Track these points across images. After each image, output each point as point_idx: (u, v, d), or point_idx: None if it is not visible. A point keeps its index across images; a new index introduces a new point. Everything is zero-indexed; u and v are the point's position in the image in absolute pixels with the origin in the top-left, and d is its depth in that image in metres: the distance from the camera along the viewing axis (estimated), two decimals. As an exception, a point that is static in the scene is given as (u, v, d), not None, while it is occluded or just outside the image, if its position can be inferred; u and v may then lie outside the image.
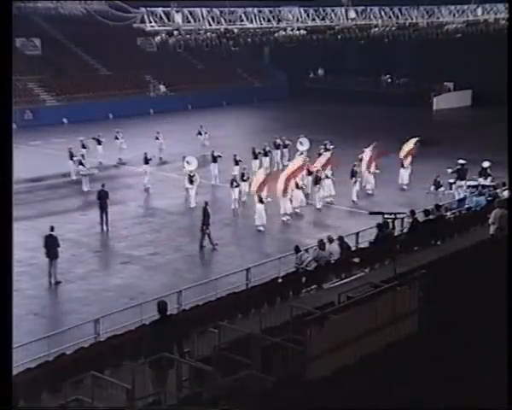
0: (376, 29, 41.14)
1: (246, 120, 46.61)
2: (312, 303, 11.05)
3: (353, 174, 24.85)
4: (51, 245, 17.51)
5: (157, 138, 32.89)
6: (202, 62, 55.73)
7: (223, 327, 9.99)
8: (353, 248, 16.53)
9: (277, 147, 30.60)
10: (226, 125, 42.75)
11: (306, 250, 15.62)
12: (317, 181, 24.17)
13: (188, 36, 35.40)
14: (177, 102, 49.11)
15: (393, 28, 41.64)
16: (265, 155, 29.22)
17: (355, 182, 24.76)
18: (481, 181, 23.41)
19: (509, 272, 8.10)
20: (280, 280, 14.10)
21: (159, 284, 17.18)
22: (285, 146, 30.83)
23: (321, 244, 15.29)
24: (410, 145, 27.19)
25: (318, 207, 23.89)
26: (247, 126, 42.51)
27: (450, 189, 24.04)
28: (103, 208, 22.26)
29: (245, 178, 24.72)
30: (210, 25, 34.82)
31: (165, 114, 46.00)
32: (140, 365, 9.13)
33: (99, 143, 31.53)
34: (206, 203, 20.70)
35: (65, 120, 44.30)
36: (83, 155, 27.92)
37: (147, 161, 27.86)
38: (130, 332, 11.55)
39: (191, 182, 24.77)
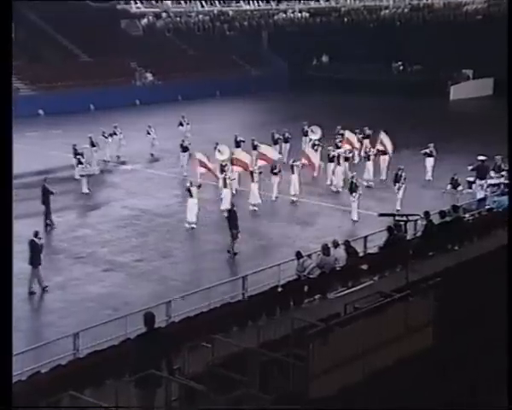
0: (387, 11, 41.29)
1: (242, 112, 46.63)
2: (316, 314, 11.07)
3: (397, 179, 23.80)
4: (34, 251, 17.74)
5: (148, 133, 33.02)
6: (193, 48, 55.78)
7: (216, 341, 10.01)
8: (361, 254, 16.56)
9: (306, 134, 31.51)
10: (220, 117, 42.78)
11: (309, 256, 15.65)
12: (352, 189, 23.04)
13: (177, 18, 35.50)
14: (165, 92, 49.11)
15: (406, 10, 41.80)
16: (286, 141, 30.58)
17: (399, 188, 23.64)
18: (500, 179, 23.50)
19: (510, 272, 8.17)
20: (280, 289, 14.11)
21: (145, 293, 17.21)
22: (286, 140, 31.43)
23: (325, 249, 15.31)
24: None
25: (355, 218, 22.82)
26: (244, 119, 42.57)
27: (469, 188, 24.09)
28: (45, 205, 22.55)
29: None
30: (202, 6, 34.90)
31: (152, 105, 45.97)
32: (124, 383, 9.14)
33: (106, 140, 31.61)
34: (233, 205, 20.97)
35: (41, 112, 44.31)
36: (82, 154, 27.89)
37: (184, 149, 29.02)
38: (114, 347, 11.55)
39: (222, 172, 25.28)
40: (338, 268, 15.03)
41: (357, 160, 29.26)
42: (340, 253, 15.69)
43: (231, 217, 20.43)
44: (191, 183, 23.19)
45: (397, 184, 23.76)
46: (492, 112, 45.35)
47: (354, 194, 22.94)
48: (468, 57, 49.59)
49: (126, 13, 36.86)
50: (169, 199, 26.01)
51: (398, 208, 22.84)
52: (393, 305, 9.48)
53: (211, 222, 23.29)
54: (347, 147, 28.37)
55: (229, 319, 12.54)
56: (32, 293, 17.53)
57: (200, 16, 36.48)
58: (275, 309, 13.17)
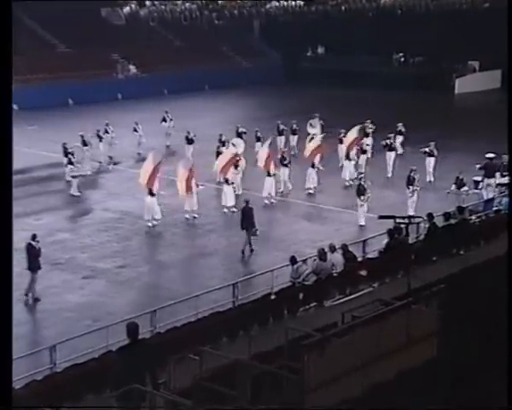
0: (387, -2, 41.40)
1: (232, 106, 46.67)
2: (311, 324, 11.10)
3: (410, 182, 23.21)
4: (32, 255, 17.83)
5: (135, 130, 33.08)
6: (180, 38, 55.80)
7: (205, 353, 10.00)
8: (360, 259, 16.59)
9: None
10: (208, 112, 42.81)
11: (304, 261, 15.67)
12: (360, 191, 22.68)
13: (163, 7, 35.51)
14: (150, 86, 49.15)
15: (407, -3, 41.92)
16: (293, 133, 32.14)
17: (413, 192, 23.13)
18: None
19: (510, 276, 8.25)
20: (273, 297, 14.13)
21: (128, 302, 17.22)
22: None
23: (321, 254, 15.32)
24: (353, 133, 28.23)
25: (362, 223, 22.44)
26: (235, 114, 42.61)
27: (476, 188, 24.17)
28: None
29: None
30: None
31: (135, 99, 45.98)
32: (106, 399, 9.13)
33: (100, 139, 31.56)
34: (247, 202, 21.21)
35: (15, 107, 44.06)
36: (72, 154, 27.82)
37: (190, 141, 30.30)
38: (94, 360, 11.53)
39: (236, 167, 25.84)
40: (335, 274, 15.05)
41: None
42: (337, 258, 15.69)
43: (247, 214, 20.66)
44: None
45: (410, 188, 23.25)
46: (500, 106, 45.47)
47: (362, 197, 22.67)
48: (474, 48, 49.79)
49: (107, 0, 36.83)
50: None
51: (413, 213, 21.90)
52: (394, 314, 9.50)
53: (198, 224, 23.31)
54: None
55: (219, 329, 12.54)
56: (36, 299, 17.66)
57: (187, 4, 36.57)
58: (267, 318, 13.18)
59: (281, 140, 32.16)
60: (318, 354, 8.49)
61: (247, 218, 20.66)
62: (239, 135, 30.33)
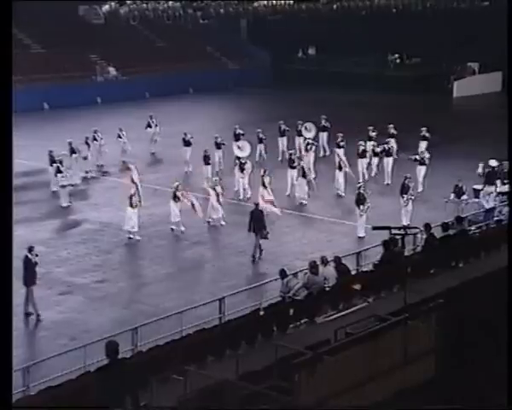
0: (382, -3, 41.67)
1: (218, 111, 46.72)
2: (302, 342, 11.10)
3: (405, 190, 23.34)
4: (28, 269, 17.82)
5: (119, 137, 32.95)
6: (163, 38, 55.85)
7: (190, 373, 10.00)
8: (353, 272, 16.64)
9: (323, 129, 33.42)
10: (193, 117, 42.83)
11: (295, 275, 15.70)
12: (359, 200, 22.71)
13: (144, 5, 35.53)
14: (130, 89, 49.12)
15: (403, -4, 42.20)
16: (299, 134, 32.12)
17: (407, 200, 23.26)
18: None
19: (511, 289, 8.30)
20: (262, 313, 14.14)
21: (107, 319, 17.17)
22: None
23: (313, 267, 15.35)
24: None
25: (361, 235, 22.36)
26: (220, 119, 42.65)
27: (476, 197, 24.28)
28: None
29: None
30: (172, -9, 35.03)
31: (116, 103, 45.91)
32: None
33: (88, 147, 31.37)
34: (257, 205, 21.60)
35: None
36: (61, 162, 27.68)
37: (187, 143, 30.66)
38: (71, 382, 11.50)
39: (242, 170, 26.25)
40: (327, 288, 15.09)
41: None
42: (329, 271, 15.74)
43: (256, 217, 21.01)
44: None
45: (405, 196, 23.38)
46: (501, 110, 45.80)
47: (361, 207, 22.68)
48: (473, 49, 50.15)
49: (85, -2, 36.90)
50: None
51: (408, 223, 22.21)
52: (390, 330, 9.54)
53: (183, 236, 23.27)
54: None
55: (204, 347, 12.54)
56: (29, 314, 17.66)
57: (170, 3, 36.65)
58: (256, 336, 13.19)
59: (283, 141, 32.61)
60: (310, 374, 8.51)
61: (256, 221, 21.05)
62: (236, 137, 30.51)
